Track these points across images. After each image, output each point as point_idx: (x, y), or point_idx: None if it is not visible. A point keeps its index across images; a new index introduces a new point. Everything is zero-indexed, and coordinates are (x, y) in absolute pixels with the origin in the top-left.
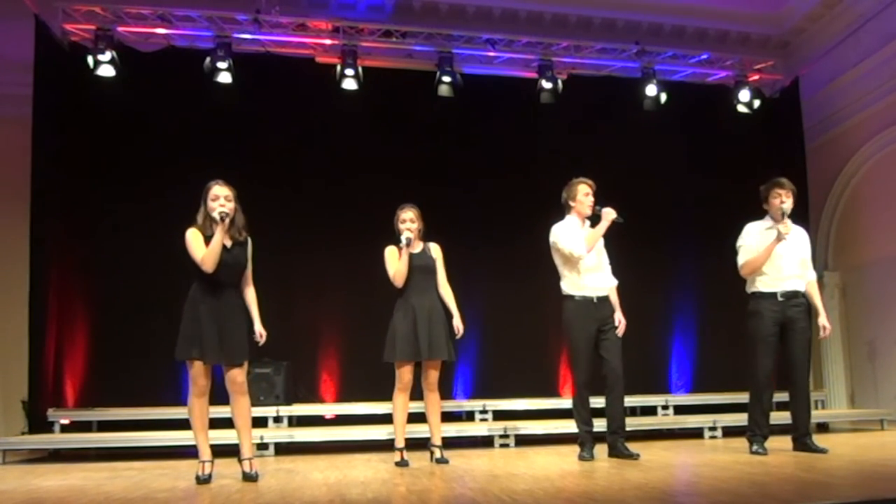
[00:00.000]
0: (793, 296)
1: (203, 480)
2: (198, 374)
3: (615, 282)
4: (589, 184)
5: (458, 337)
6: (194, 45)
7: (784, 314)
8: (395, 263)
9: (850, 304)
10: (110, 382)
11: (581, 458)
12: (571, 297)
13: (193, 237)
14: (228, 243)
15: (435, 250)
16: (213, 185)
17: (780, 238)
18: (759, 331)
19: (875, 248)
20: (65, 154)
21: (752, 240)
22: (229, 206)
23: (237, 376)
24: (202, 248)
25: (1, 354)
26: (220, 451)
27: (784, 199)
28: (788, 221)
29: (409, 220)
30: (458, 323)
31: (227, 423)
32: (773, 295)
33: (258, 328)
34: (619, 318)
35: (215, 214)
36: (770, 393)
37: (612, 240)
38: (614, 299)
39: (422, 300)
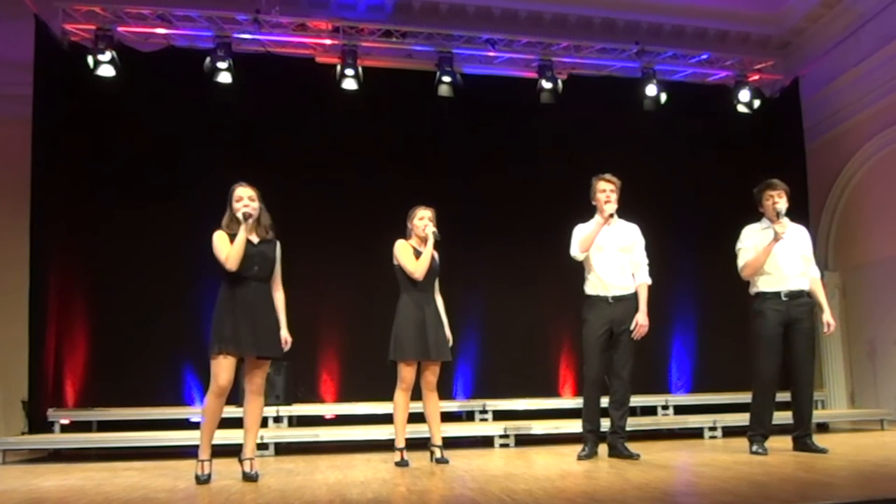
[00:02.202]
0: (797, 295)
1: (203, 480)
2: (222, 370)
3: (643, 281)
4: (607, 179)
5: (448, 346)
6: (194, 45)
7: (788, 314)
8: (412, 258)
9: (850, 304)
10: (110, 382)
11: (579, 456)
12: (588, 295)
13: (219, 239)
14: (255, 240)
15: (436, 256)
16: (237, 186)
17: (777, 238)
18: (763, 331)
19: (875, 248)
20: (65, 154)
21: (751, 242)
22: (253, 206)
23: (257, 376)
24: (227, 247)
25: (1, 354)
26: (220, 451)
27: (777, 200)
28: (785, 220)
29: (426, 218)
30: (448, 333)
31: (227, 423)
32: (777, 294)
33: (284, 334)
34: (636, 321)
35: (239, 215)
36: (774, 393)
37: None
38: (641, 299)
39: (427, 301)
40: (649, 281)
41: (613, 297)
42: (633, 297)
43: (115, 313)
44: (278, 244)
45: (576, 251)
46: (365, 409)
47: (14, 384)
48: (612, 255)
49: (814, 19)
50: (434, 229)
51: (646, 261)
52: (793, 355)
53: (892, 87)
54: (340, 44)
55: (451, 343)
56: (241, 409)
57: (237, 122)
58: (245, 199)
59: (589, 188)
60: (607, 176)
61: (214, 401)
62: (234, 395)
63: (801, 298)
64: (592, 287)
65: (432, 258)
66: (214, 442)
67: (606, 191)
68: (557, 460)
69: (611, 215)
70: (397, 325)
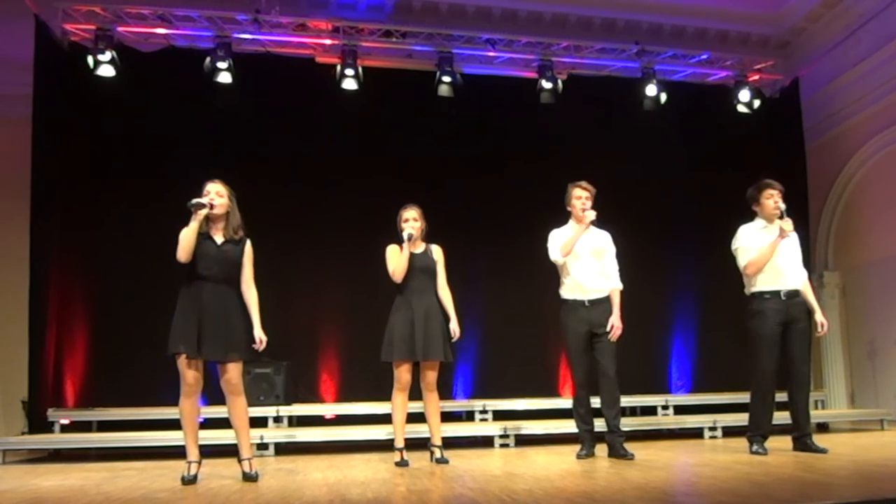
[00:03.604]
0: (794, 294)
1: (188, 481)
2: (184, 369)
3: (616, 286)
4: (583, 187)
5: (455, 340)
6: (194, 45)
7: (787, 313)
8: (394, 260)
9: (850, 304)
10: (110, 382)
11: (578, 455)
12: (564, 300)
13: (181, 233)
14: (220, 240)
15: (437, 252)
16: (208, 182)
17: (783, 235)
18: (763, 330)
19: (875, 248)
20: (65, 154)
21: (749, 241)
22: (219, 202)
23: (231, 377)
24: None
25: (1, 354)
26: (220, 451)
27: (778, 199)
28: (788, 219)
29: (411, 219)
30: (454, 327)
31: (227, 423)
32: (777, 294)
33: (258, 333)
34: (612, 323)
35: (188, 204)
36: (773, 393)
37: (613, 240)
38: (614, 303)
39: (420, 300)
40: (621, 286)
41: (590, 301)
42: (608, 300)
43: (115, 313)
44: (248, 244)
45: (557, 256)
46: (365, 409)
47: (14, 384)
48: (587, 260)
49: (814, 19)
50: (411, 231)
51: (616, 266)
52: (789, 356)
53: (892, 87)
54: (340, 44)
55: (456, 336)
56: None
57: (237, 122)
58: (212, 193)
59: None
60: (583, 184)
61: (185, 402)
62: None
63: (798, 298)
64: (569, 291)
65: (421, 256)
66: (215, 442)
67: (583, 198)
68: (557, 460)
69: (591, 222)
70: (388, 326)
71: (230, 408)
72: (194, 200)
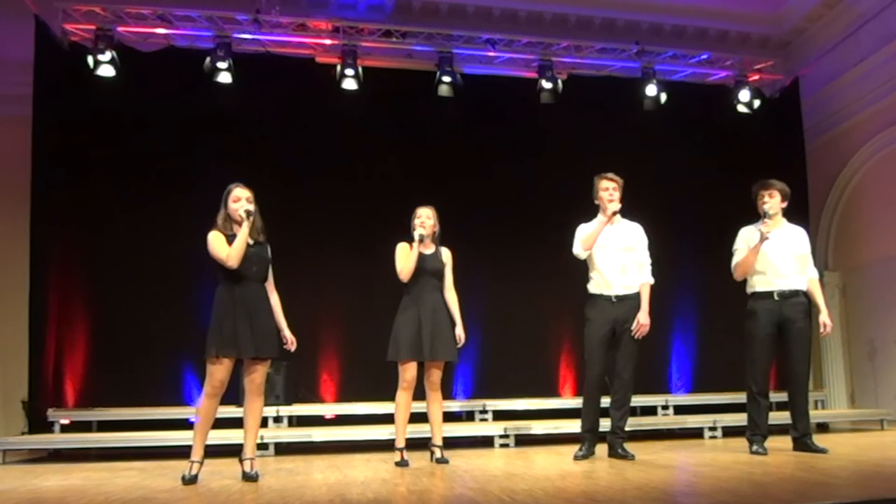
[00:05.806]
0: (791, 295)
1: (189, 481)
2: (220, 372)
3: (646, 280)
4: (610, 178)
5: (460, 346)
6: (194, 45)
7: (781, 313)
8: (402, 259)
9: (850, 304)
10: (110, 382)
11: (576, 456)
12: (591, 294)
13: (215, 238)
14: (250, 241)
15: (446, 255)
16: (235, 187)
17: (762, 238)
18: (755, 330)
19: (875, 248)
20: (65, 154)
21: (744, 243)
22: (253, 207)
23: (257, 377)
24: (226, 246)
25: (1, 354)
26: (220, 451)
27: (767, 200)
28: (778, 220)
29: (424, 217)
30: (460, 331)
31: (226, 423)
32: (770, 294)
33: (288, 335)
34: (637, 320)
35: (241, 212)
36: (766, 393)
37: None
38: (643, 298)
39: (427, 301)
40: (652, 280)
41: (616, 297)
42: (636, 297)
43: (115, 313)
44: (269, 247)
45: (578, 249)
46: (365, 409)
47: (14, 384)
48: (615, 253)
49: (814, 19)
50: (421, 231)
51: (649, 260)
52: (787, 356)
53: (892, 86)
54: (340, 44)
55: (462, 342)
56: (240, 410)
57: (237, 122)
58: (243, 199)
59: (590, 188)
60: (609, 175)
61: (210, 402)
62: (233, 395)
63: (796, 298)
64: (595, 286)
65: (431, 257)
66: (215, 442)
67: (609, 189)
68: (557, 460)
69: (614, 213)
70: (395, 325)
71: (248, 407)
72: (247, 208)
